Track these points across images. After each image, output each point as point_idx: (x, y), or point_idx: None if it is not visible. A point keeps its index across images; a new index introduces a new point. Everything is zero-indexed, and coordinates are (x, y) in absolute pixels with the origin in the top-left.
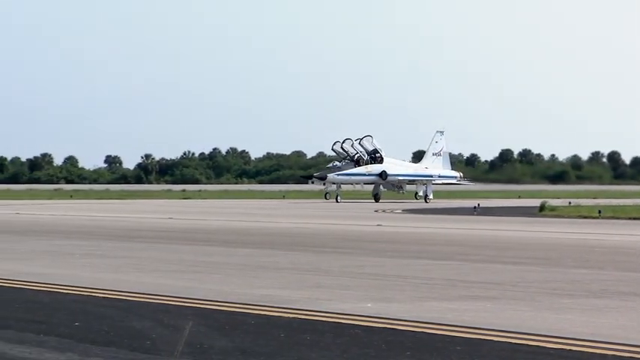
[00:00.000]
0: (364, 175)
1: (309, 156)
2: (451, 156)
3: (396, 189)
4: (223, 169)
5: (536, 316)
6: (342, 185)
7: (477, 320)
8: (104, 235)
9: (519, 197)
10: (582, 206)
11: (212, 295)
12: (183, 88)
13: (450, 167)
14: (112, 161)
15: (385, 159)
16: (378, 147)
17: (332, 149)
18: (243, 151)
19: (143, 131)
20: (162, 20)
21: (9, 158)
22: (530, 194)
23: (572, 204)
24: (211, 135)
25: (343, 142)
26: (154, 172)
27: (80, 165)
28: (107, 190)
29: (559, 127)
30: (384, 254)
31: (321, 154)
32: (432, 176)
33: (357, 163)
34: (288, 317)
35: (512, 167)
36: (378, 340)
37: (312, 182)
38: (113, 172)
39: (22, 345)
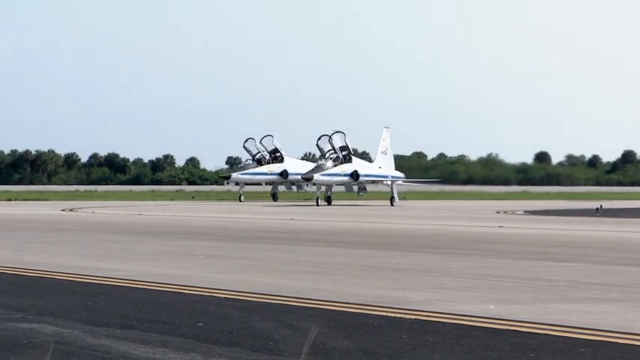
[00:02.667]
0: (266, 174)
1: (429, 157)
2: (571, 157)
3: (296, 188)
4: None
5: None
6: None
7: (600, 322)
8: (225, 236)
9: None
10: None
11: (333, 296)
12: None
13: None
14: (234, 162)
15: (286, 158)
16: (278, 146)
17: (243, 147)
18: (364, 152)
19: (265, 132)
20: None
21: (132, 159)
22: None
23: None
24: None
25: (246, 141)
26: None
27: (202, 166)
28: (229, 192)
29: None
30: (506, 256)
31: (441, 156)
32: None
33: (260, 162)
34: (410, 318)
35: (636, 168)
36: (501, 342)
37: (228, 183)
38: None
39: (146, 345)
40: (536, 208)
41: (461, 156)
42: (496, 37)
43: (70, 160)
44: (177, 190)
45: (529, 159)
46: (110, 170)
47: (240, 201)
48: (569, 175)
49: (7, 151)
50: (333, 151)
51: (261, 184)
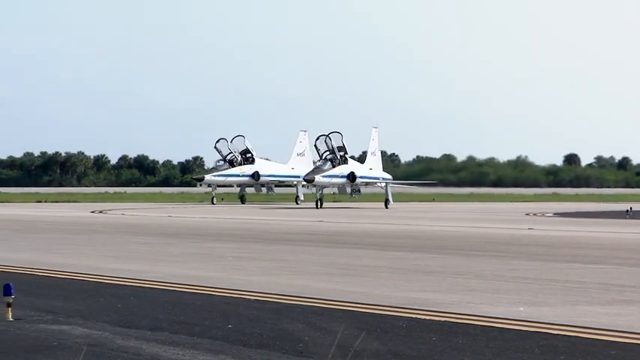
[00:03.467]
0: (238, 176)
1: (458, 159)
2: (600, 159)
3: (267, 190)
4: None
5: None
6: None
7: (630, 324)
8: (254, 238)
9: None
10: None
11: (363, 298)
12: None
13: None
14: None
15: (256, 159)
16: (249, 147)
17: (214, 147)
18: (393, 154)
19: (296, 135)
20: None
21: (161, 161)
22: None
23: None
24: (360, 138)
25: (217, 141)
26: None
27: None
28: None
29: None
30: (536, 258)
31: (470, 158)
32: (298, 176)
33: (232, 163)
34: (440, 320)
35: None
36: (531, 344)
37: (201, 185)
38: None
39: (175, 347)
40: (566, 210)
41: (490, 158)
42: (525, 40)
43: (100, 162)
44: (206, 192)
45: (558, 161)
46: (140, 172)
47: (213, 203)
48: (598, 177)
49: (37, 153)
50: (329, 152)
51: (233, 186)
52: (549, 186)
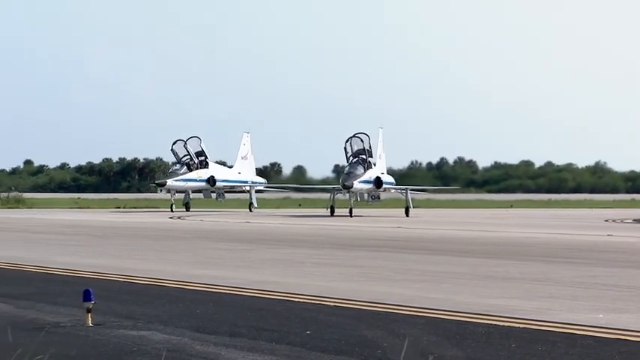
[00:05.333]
0: (196, 180)
1: (537, 165)
2: None
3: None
4: (450, 178)
5: None
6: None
7: None
8: (332, 244)
9: None
10: None
11: (442, 305)
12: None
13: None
14: (340, 170)
15: (211, 164)
16: (203, 149)
17: (170, 150)
18: (471, 160)
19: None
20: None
21: None
22: None
23: None
24: (438, 144)
25: (174, 143)
26: None
27: (308, 175)
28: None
29: None
30: (615, 264)
31: (549, 164)
32: (246, 182)
33: (188, 167)
34: (519, 327)
35: None
36: (611, 352)
37: (161, 190)
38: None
39: (254, 353)
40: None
41: (568, 164)
42: (610, 46)
43: None
44: (284, 198)
45: (638, 167)
46: None
47: (172, 211)
48: None
49: (115, 159)
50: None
51: (188, 192)
52: (628, 192)
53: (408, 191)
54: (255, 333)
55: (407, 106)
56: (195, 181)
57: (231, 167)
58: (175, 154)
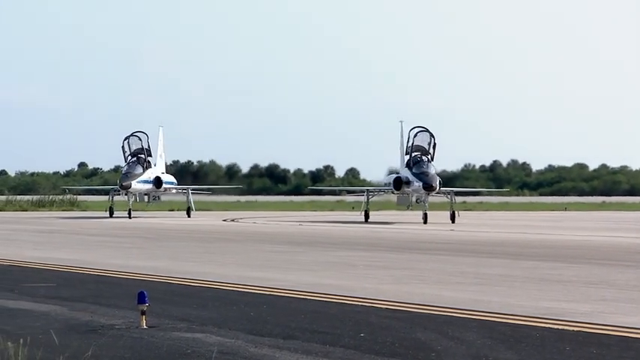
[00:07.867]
0: (148, 182)
1: (590, 168)
2: None
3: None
4: (504, 180)
5: None
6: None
7: None
8: (385, 247)
9: None
10: None
11: (496, 308)
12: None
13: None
14: (391, 173)
15: (152, 164)
16: (146, 147)
17: (121, 147)
18: (524, 162)
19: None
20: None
21: (292, 170)
22: None
23: None
24: (492, 146)
25: (126, 139)
26: None
27: (362, 177)
28: (388, 202)
29: None
30: None
31: (603, 166)
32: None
33: (144, 167)
34: (574, 330)
35: None
36: None
37: (127, 194)
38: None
39: (308, 355)
40: None
41: (623, 166)
42: None
43: (231, 170)
44: (337, 201)
45: None
46: (270, 181)
47: (130, 218)
48: None
49: (169, 162)
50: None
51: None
52: None
53: (453, 194)
54: (308, 335)
55: (461, 108)
56: (148, 182)
57: (155, 166)
58: (125, 150)
